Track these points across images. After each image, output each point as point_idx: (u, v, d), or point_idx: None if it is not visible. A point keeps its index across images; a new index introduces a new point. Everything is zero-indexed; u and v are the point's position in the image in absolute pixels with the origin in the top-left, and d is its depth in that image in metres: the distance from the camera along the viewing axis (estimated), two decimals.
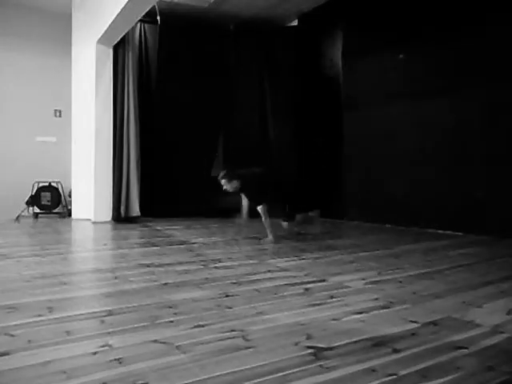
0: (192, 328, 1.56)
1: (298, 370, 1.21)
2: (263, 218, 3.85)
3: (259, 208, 3.81)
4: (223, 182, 3.85)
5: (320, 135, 6.28)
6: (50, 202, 6.17)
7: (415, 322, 1.63)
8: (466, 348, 1.38)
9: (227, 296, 1.99)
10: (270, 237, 3.87)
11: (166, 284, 2.23)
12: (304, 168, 6.48)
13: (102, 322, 1.63)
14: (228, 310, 1.79)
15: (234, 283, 2.25)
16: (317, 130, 6.33)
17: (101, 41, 5.37)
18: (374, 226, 5.17)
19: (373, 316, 1.71)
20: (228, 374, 1.19)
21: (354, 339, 1.45)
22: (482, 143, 4.27)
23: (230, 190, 3.89)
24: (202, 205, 6.02)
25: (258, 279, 2.35)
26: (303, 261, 2.91)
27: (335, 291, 2.08)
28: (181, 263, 2.81)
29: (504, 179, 4.07)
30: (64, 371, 1.20)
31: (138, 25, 5.99)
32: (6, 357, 1.30)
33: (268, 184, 3.92)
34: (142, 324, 1.60)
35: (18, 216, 5.93)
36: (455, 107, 4.50)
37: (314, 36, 6.39)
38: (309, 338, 1.46)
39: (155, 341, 1.43)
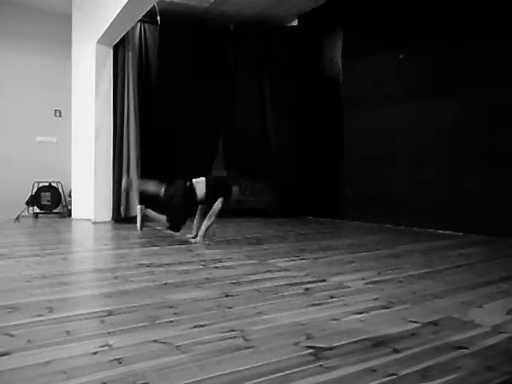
0: (192, 328, 1.56)
1: (298, 369, 1.21)
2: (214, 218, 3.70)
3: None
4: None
5: (320, 135, 6.29)
6: (50, 201, 6.17)
7: (415, 322, 1.63)
8: (466, 348, 1.37)
9: (227, 296, 1.99)
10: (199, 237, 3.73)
11: (165, 284, 2.23)
12: (304, 168, 6.49)
13: (102, 321, 1.63)
14: (228, 309, 1.78)
15: (234, 283, 2.25)
16: (317, 129, 6.34)
17: (101, 41, 5.37)
18: (374, 225, 5.17)
19: (373, 316, 1.71)
20: (228, 374, 1.19)
21: (354, 339, 1.44)
22: (482, 143, 4.27)
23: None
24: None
25: (257, 279, 2.35)
26: (303, 261, 2.91)
27: (335, 291, 2.08)
28: (181, 263, 2.80)
29: (504, 179, 4.08)
30: (64, 371, 1.20)
31: (138, 25, 6.00)
32: (6, 357, 1.30)
33: None
34: (142, 324, 1.60)
35: (18, 216, 5.93)
36: (455, 107, 4.50)
37: (314, 36, 6.39)
38: (309, 338, 1.46)
39: (155, 341, 1.43)
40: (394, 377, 1.18)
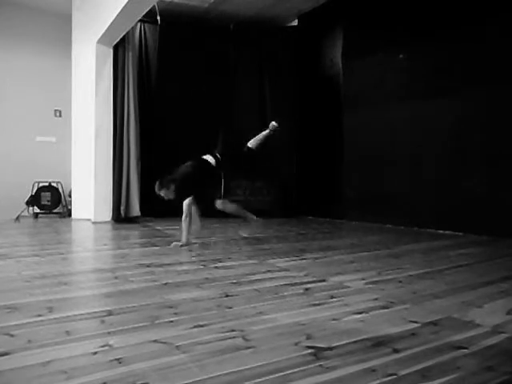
0: (192, 328, 1.56)
1: (298, 369, 1.21)
2: (184, 216, 3.49)
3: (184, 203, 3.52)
4: (163, 192, 3.52)
5: (320, 135, 6.29)
6: (50, 201, 6.17)
7: (415, 322, 1.63)
8: (466, 348, 1.37)
9: (227, 296, 1.99)
10: (184, 239, 3.53)
11: (166, 284, 2.23)
12: (304, 168, 6.49)
13: (102, 321, 1.63)
14: (228, 309, 1.78)
15: (234, 283, 2.25)
16: (317, 129, 6.34)
17: (101, 41, 5.37)
18: (374, 225, 5.17)
19: (373, 316, 1.71)
20: (228, 374, 1.19)
21: (354, 339, 1.44)
22: (481, 143, 4.27)
23: (172, 197, 3.58)
24: (202, 204, 6.03)
25: (257, 279, 2.35)
26: (303, 261, 2.91)
27: (335, 291, 2.08)
28: (181, 263, 2.81)
29: (504, 179, 4.07)
30: (64, 371, 1.20)
31: (138, 25, 6.00)
32: (6, 357, 1.30)
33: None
34: (142, 324, 1.60)
35: (18, 216, 5.93)
36: (455, 107, 4.50)
37: (314, 36, 6.39)
38: (309, 338, 1.46)
39: (155, 341, 1.43)
40: (394, 377, 1.18)
